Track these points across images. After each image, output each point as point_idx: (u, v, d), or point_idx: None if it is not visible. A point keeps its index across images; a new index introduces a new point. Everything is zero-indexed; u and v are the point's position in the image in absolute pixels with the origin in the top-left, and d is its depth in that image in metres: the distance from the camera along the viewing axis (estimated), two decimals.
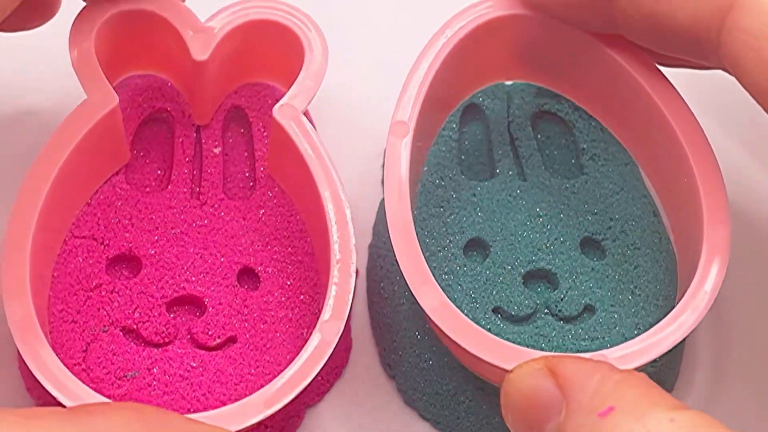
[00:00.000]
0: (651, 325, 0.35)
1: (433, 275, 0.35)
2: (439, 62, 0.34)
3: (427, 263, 0.35)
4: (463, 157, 0.38)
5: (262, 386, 0.31)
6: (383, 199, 0.38)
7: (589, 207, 0.37)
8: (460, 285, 0.36)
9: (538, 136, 0.39)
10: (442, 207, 0.37)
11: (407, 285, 0.33)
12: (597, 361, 0.27)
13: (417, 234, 0.35)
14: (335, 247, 0.32)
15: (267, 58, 0.37)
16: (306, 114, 0.35)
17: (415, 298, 0.32)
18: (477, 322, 0.35)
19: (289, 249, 0.35)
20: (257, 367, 0.33)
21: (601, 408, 0.25)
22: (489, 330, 0.35)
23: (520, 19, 0.35)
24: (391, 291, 0.36)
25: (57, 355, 0.31)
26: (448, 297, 0.35)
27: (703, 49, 0.29)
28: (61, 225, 0.34)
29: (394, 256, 0.32)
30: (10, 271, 0.30)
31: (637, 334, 0.35)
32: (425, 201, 0.37)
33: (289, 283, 0.35)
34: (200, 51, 0.34)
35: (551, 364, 0.26)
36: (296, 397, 0.33)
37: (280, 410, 0.33)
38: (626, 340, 0.35)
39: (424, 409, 0.36)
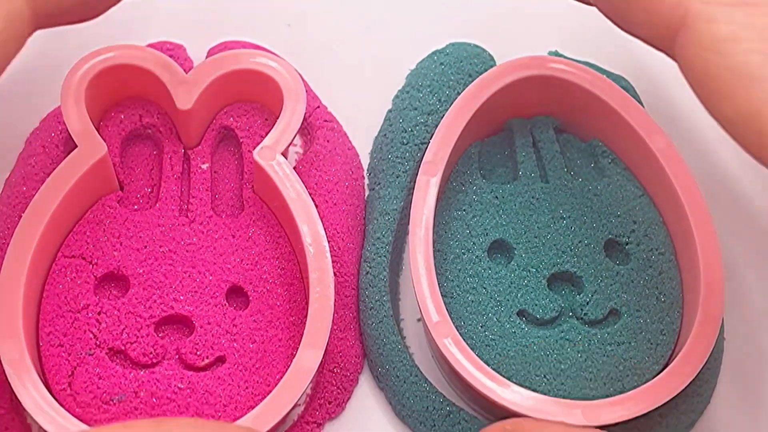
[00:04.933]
0: (675, 332, 0.35)
1: (458, 278, 0.35)
2: (477, 106, 0.36)
3: (451, 266, 0.35)
4: (485, 159, 0.38)
5: (251, 407, 0.31)
6: (369, 195, 0.38)
7: (612, 209, 0.37)
8: (484, 288, 0.35)
9: (560, 138, 0.38)
10: (464, 210, 0.36)
11: (392, 297, 0.34)
12: (556, 423, 0.30)
13: (440, 236, 0.35)
14: (313, 277, 0.33)
15: (251, 94, 0.37)
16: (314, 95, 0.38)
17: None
18: (502, 326, 0.34)
19: (279, 269, 0.35)
20: (246, 387, 0.33)
21: None
22: (514, 334, 0.34)
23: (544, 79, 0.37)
24: (377, 300, 0.36)
25: (46, 380, 0.31)
26: (472, 300, 0.35)
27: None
28: (50, 262, 0.35)
29: (415, 293, 0.33)
30: (3, 312, 0.31)
31: (663, 340, 0.35)
32: (447, 204, 0.36)
33: (278, 302, 0.34)
34: (184, 101, 0.36)
35: (515, 429, 0.30)
36: (314, 412, 0.34)
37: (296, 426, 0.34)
38: (652, 345, 0.34)
39: (415, 427, 0.35)
